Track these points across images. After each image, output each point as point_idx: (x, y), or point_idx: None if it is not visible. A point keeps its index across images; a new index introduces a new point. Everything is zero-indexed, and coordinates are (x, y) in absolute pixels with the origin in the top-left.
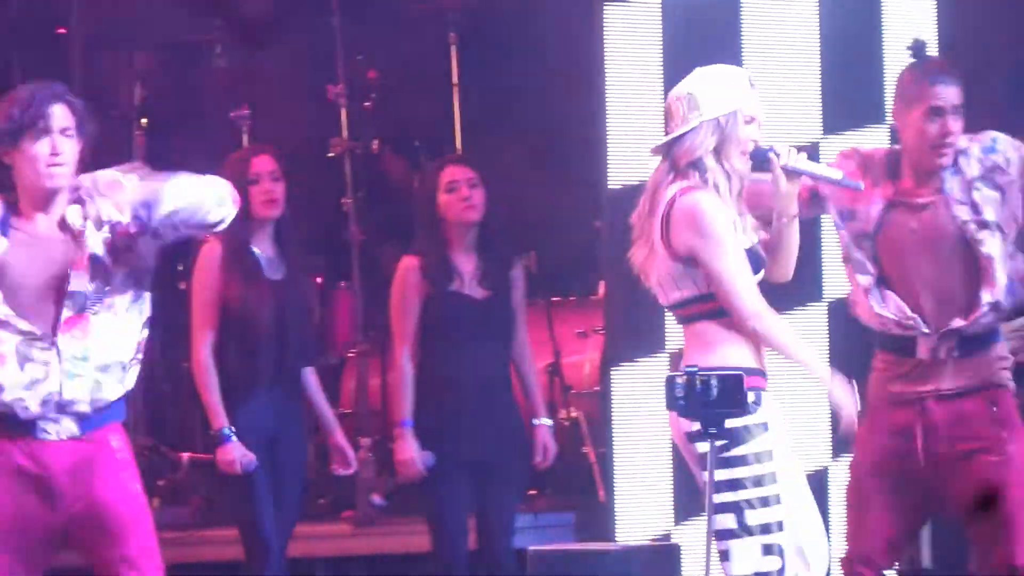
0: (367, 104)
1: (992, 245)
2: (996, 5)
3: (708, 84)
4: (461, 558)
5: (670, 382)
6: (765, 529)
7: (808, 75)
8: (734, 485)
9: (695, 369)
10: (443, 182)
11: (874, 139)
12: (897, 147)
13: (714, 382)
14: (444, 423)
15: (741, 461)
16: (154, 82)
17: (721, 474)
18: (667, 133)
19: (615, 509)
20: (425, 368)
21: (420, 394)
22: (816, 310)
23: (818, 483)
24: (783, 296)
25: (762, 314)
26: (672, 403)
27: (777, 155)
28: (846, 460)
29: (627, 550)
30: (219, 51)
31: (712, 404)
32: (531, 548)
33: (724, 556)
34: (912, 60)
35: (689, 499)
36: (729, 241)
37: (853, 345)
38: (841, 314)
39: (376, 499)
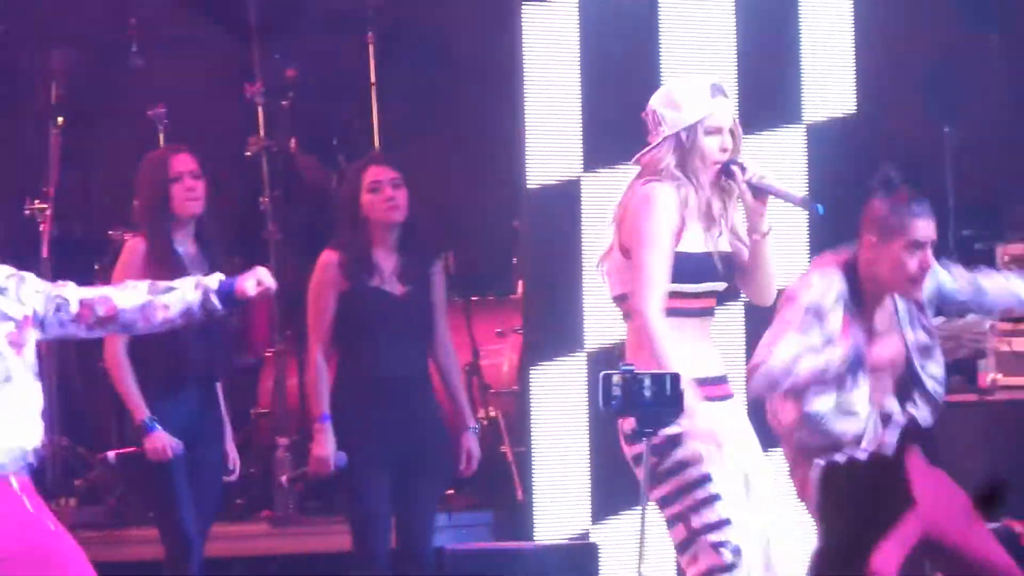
0: (284, 103)
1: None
2: (911, 6)
3: (670, 98)
4: (382, 557)
5: (606, 380)
6: (711, 528)
7: (725, 75)
8: (672, 499)
9: (631, 367)
10: (366, 182)
11: (791, 138)
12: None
13: (648, 381)
14: (364, 421)
15: (671, 473)
16: (70, 80)
17: (659, 490)
18: (648, 143)
19: (533, 508)
20: (344, 365)
21: (340, 391)
22: (735, 308)
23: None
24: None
25: (650, 320)
26: (607, 401)
27: (743, 169)
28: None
29: (545, 549)
30: (135, 49)
31: (647, 403)
32: (449, 547)
33: (688, 563)
34: (881, 190)
35: (607, 498)
36: (658, 240)
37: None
38: (756, 314)
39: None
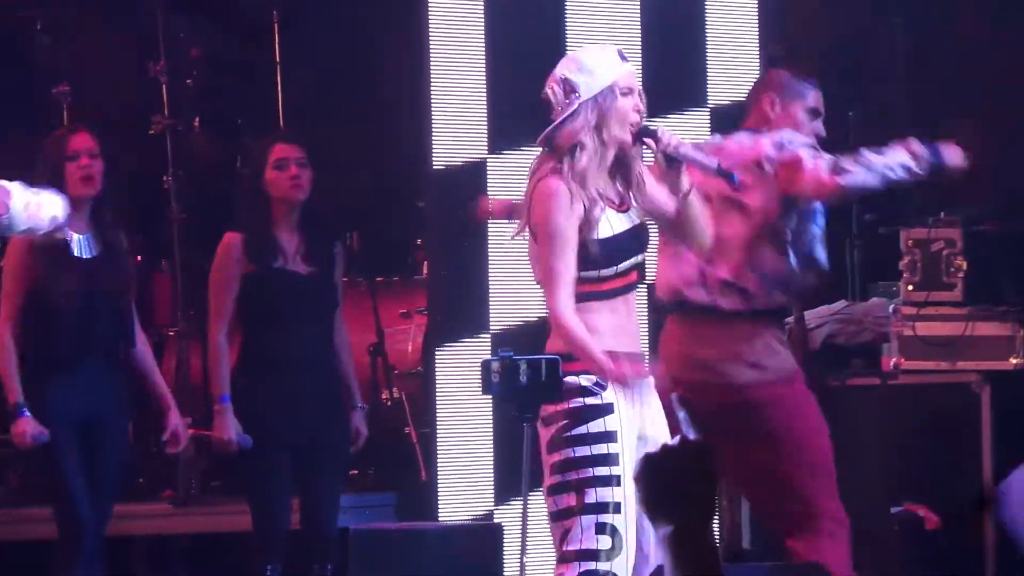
0: (189, 82)
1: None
2: None
3: (581, 65)
4: (281, 538)
5: (485, 366)
6: (601, 508)
7: (631, 57)
8: (574, 464)
9: (510, 353)
10: (272, 158)
11: (695, 121)
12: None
13: (525, 367)
14: (266, 402)
15: (581, 440)
16: None
17: (562, 453)
18: (552, 121)
19: (437, 489)
20: (248, 346)
21: (243, 372)
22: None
23: None
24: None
25: (561, 315)
26: (487, 387)
27: (658, 140)
28: None
29: (449, 529)
30: (40, 27)
31: (526, 389)
32: (353, 527)
33: (562, 535)
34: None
35: (511, 479)
36: (560, 238)
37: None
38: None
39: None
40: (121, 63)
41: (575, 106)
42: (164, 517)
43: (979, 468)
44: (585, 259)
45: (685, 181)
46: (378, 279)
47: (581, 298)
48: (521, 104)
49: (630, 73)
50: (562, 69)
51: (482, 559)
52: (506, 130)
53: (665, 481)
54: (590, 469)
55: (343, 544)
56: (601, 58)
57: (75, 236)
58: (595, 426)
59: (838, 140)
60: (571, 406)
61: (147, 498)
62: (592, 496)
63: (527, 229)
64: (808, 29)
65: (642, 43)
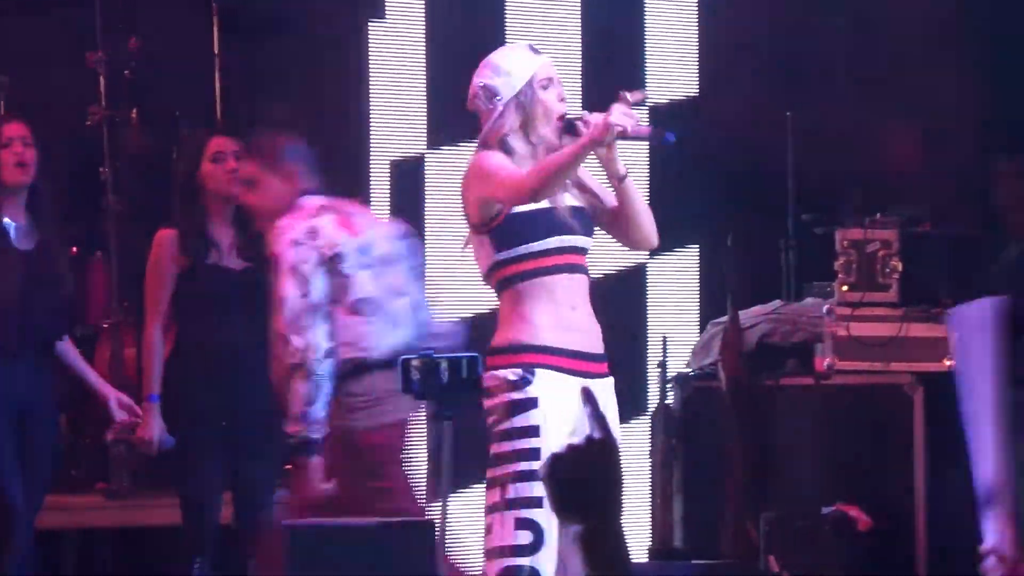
0: (127, 73)
1: None
2: None
3: (496, 68)
4: (210, 531)
5: (404, 365)
6: (522, 503)
7: (571, 56)
8: (500, 459)
9: (430, 351)
10: (209, 151)
11: None
12: None
13: (445, 365)
14: (199, 395)
15: (507, 435)
16: None
17: (493, 448)
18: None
19: None
20: (182, 341)
21: (177, 367)
22: None
23: None
24: None
25: (530, 175)
26: (407, 386)
27: (586, 124)
28: None
29: (384, 525)
30: None
31: (445, 387)
32: (286, 523)
33: (487, 530)
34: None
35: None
36: (502, 165)
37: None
38: (597, 293)
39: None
40: (59, 53)
41: (500, 109)
42: (97, 510)
43: (911, 469)
44: (514, 233)
45: (621, 166)
46: None
47: (515, 280)
48: (460, 100)
49: (546, 64)
50: (479, 78)
51: (417, 556)
52: (445, 126)
53: (572, 480)
54: (513, 464)
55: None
56: (514, 57)
57: (11, 225)
58: (519, 421)
59: (776, 139)
60: (499, 401)
61: (80, 490)
62: (513, 491)
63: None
64: (747, 28)
65: (582, 42)
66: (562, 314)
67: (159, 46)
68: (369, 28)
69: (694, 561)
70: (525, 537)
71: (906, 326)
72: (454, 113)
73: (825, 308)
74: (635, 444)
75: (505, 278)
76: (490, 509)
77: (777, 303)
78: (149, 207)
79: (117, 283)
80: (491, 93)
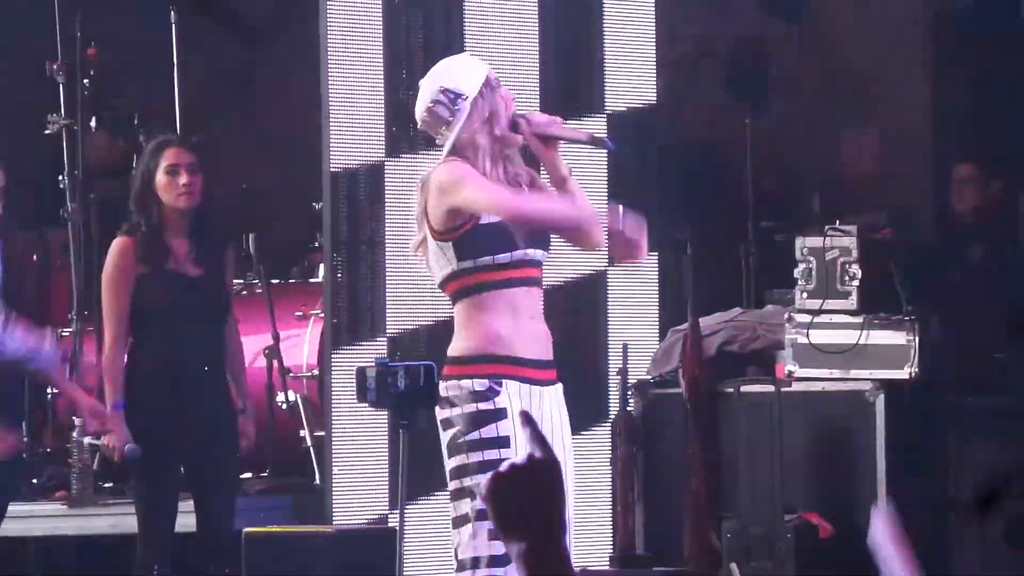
0: (86, 81)
1: None
2: None
3: (453, 72)
4: (166, 539)
5: (360, 374)
6: None
7: (529, 63)
8: (468, 470)
9: (385, 360)
10: (163, 164)
11: (591, 127)
12: None
13: (401, 373)
14: (155, 403)
15: (475, 446)
16: None
17: (456, 460)
18: (439, 138)
19: (332, 492)
20: (139, 349)
21: (134, 375)
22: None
23: None
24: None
25: (514, 197)
26: (362, 395)
27: (529, 122)
28: None
29: (343, 533)
30: None
31: (402, 395)
32: (247, 530)
33: (459, 542)
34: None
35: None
36: (475, 175)
37: (568, 330)
38: (556, 300)
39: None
40: (17, 61)
41: (466, 107)
42: (58, 518)
43: (873, 476)
44: (479, 244)
45: (563, 167)
46: (274, 281)
47: (476, 290)
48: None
49: (491, 69)
50: (436, 83)
51: (376, 563)
52: (404, 133)
53: (514, 499)
54: (481, 475)
55: (237, 546)
56: (464, 61)
57: None
58: (487, 431)
59: (734, 146)
60: (465, 410)
61: (41, 498)
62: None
63: (428, 233)
64: (706, 35)
65: (540, 49)
66: (523, 325)
67: (118, 54)
68: (328, 34)
69: (656, 568)
70: (498, 547)
71: (866, 333)
72: (413, 120)
73: (785, 315)
74: (596, 452)
75: (466, 287)
76: (460, 521)
77: (737, 310)
78: (109, 216)
79: (77, 292)
80: (454, 94)
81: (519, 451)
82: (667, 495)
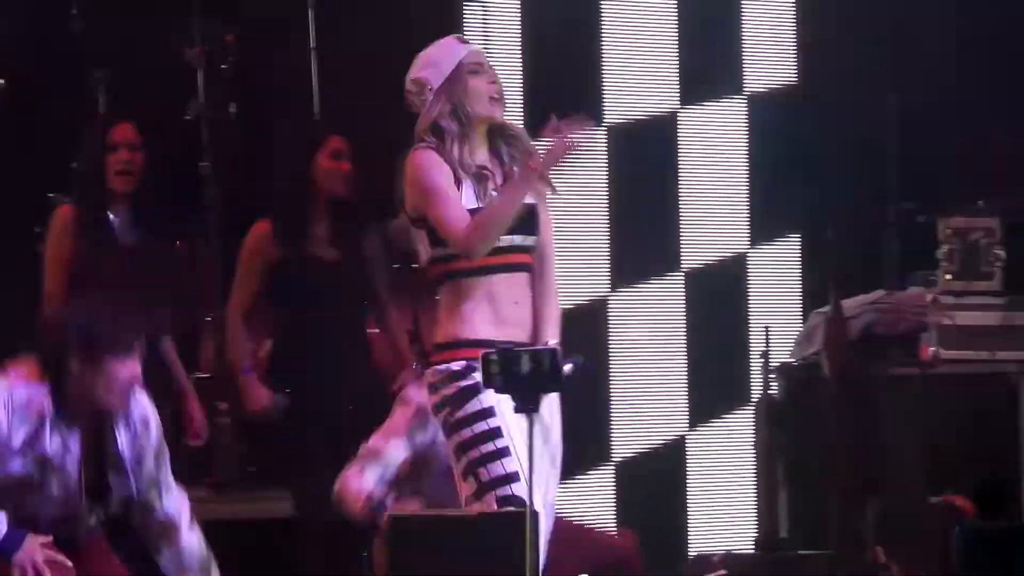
0: (224, 67)
1: None
2: None
3: (424, 62)
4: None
5: (485, 359)
6: (498, 482)
7: (668, 46)
8: (464, 447)
9: (509, 346)
10: (328, 149)
11: (732, 109)
12: None
13: (526, 358)
14: (309, 390)
15: (464, 423)
16: (9, 45)
17: (452, 440)
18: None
19: None
20: (282, 332)
21: (281, 359)
22: (674, 280)
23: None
24: (641, 267)
25: (466, 235)
26: (487, 380)
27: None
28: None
29: (486, 517)
30: (76, 11)
31: (526, 380)
32: (391, 513)
33: None
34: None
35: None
36: (440, 191)
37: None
38: (699, 283)
39: None
40: (157, 48)
41: (430, 98)
42: (203, 503)
43: (1017, 457)
44: None
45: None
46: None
47: (452, 276)
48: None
49: (474, 52)
50: (412, 74)
51: (520, 547)
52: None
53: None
54: (476, 448)
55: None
56: (440, 48)
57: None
58: (471, 406)
59: (877, 126)
60: (447, 392)
61: (187, 484)
62: (486, 474)
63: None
64: (848, 13)
65: (678, 32)
66: (500, 310)
67: (257, 40)
68: (464, 11)
69: (800, 552)
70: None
71: (1010, 315)
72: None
73: (929, 297)
74: (739, 435)
75: (444, 273)
76: (471, 499)
77: (880, 292)
78: (250, 202)
79: (220, 278)
80: (421, 84)
81: (506, 418)
82: (811, 478)
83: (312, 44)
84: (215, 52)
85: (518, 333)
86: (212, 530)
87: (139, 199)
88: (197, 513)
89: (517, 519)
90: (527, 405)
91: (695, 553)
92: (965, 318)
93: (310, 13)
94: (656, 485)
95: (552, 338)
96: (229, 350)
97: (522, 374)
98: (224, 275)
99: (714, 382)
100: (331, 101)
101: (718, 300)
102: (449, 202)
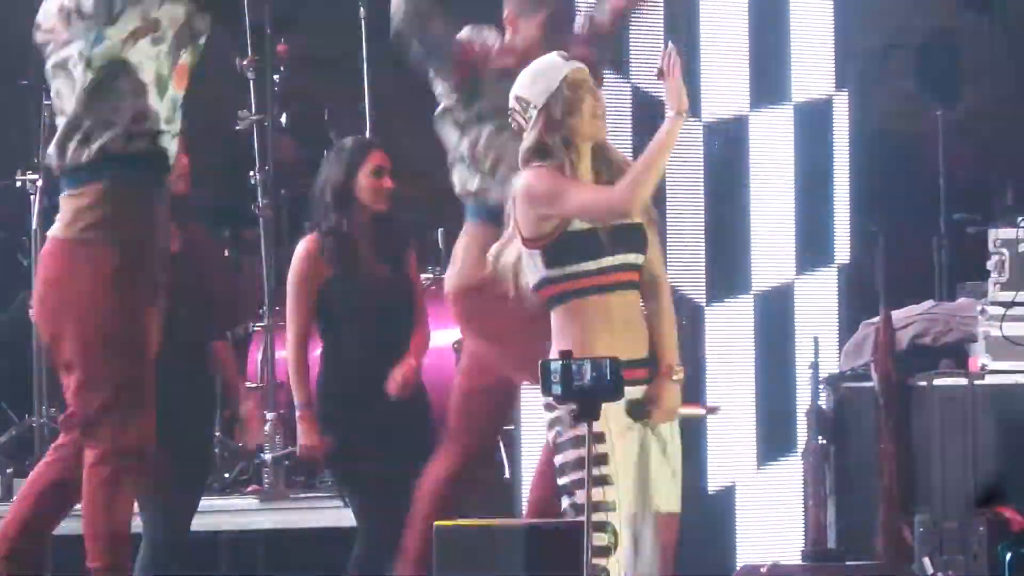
0: (276, 77)
1: None
2: None
3: (526, 80)
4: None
5: (544, 367)
6: (595, 508)
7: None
8: (568, 468)
9: (569, 354)
10: (370, 165)
11: (778, 118)
12: None
13: (587, 367)
14: (357, 402)
15: (572, 444)
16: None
17: (559, 458)
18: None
19: (522, 486)
20: (330, 349)
21: (328, 379)
22: (744, 302)
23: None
24: (712, 288)
25: (622, 194)
26: (547, 389)
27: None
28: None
29: (536, 527)
30: None
31: (586, 390)
32: (438, 523)
33: None
34: None
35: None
36: (566, 185)
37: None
38: (769, 305)
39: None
40: (208, 58)
41: (534, 116)
42: (249, 512)
43: None
44: (566, 251)
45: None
46: None
47: (566, 297)
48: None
49: (577, 69)
50: (512, 92)
51: (570, 558)
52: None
53: None
54: (580, 471)
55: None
56: (542, 65)
57: None
58: (582, 428)
59: (927, 138)
60: (562, 411)
61: (232, 493)
62: (583, 497)
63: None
64: (896, 25)
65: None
66: (615, 330)
67: (309, 51)
68: None
69: (848, 563)
70: (599, 539)
71: None
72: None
73: (978, 308)
74: (788, 446)
75: (556, 295)
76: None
77: (929, 303)
78: (300, 211)
79: (270, 289)
80: (525, 103)
81: (613, 445)
82: (859, 489)
83: (364, 54)
84: (267, 61)
85: (631, 351)
86: (255, 539)
87: (185, 206)
88: (242, 522)
89: (568, 530)
90: (588, 415)
91: (743, 563)
92: (1014, 329)
93: (362, 23)
94: (705, 496)
95: (672, 360)
96: (292, 381)
97: (584, 383)
98: (275, 283)
99: (762, 392)
100: (383, 110)
101: (767, 310)
102: (582, 186)
